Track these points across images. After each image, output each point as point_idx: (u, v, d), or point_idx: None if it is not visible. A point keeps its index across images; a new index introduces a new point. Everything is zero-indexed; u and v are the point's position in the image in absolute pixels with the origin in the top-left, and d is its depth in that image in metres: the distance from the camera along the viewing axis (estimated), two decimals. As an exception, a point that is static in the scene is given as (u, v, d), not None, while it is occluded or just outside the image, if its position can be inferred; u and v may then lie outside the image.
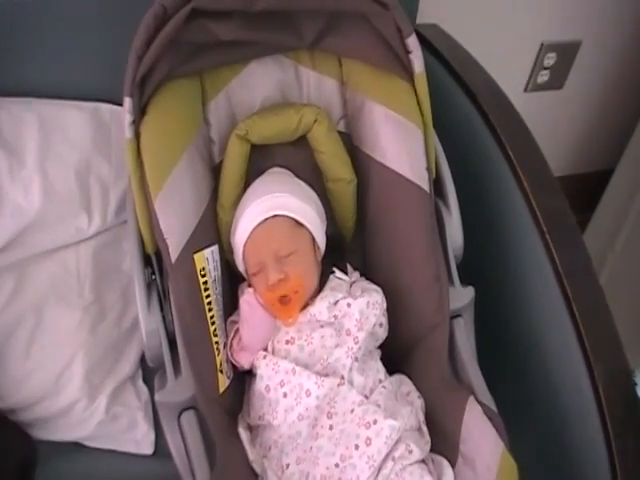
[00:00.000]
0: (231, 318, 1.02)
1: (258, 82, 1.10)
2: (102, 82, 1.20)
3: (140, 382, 1.22)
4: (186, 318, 0.94)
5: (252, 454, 0.97)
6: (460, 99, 1.29)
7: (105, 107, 1.23)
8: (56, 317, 1.14)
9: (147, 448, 1.17)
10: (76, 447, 1.15)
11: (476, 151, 1.24)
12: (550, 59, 1.91)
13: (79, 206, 1.18)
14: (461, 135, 1.26)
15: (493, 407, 0.95)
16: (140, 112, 0.93)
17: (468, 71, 1.33)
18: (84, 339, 1.15)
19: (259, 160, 1.09)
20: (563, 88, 2.01)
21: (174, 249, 0.92)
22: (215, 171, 1.07)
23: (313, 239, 1.02)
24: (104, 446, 1.16)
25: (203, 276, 0.95)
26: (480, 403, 0.93)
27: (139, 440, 1.17)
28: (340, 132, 1.12)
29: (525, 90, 1.98)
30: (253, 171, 1.08)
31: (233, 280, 1.06)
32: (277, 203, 0.99)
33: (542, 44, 1.88)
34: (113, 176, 1.23)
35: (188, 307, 0.94)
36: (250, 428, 1.01)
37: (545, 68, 1.93)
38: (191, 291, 0.93)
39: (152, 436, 1.17)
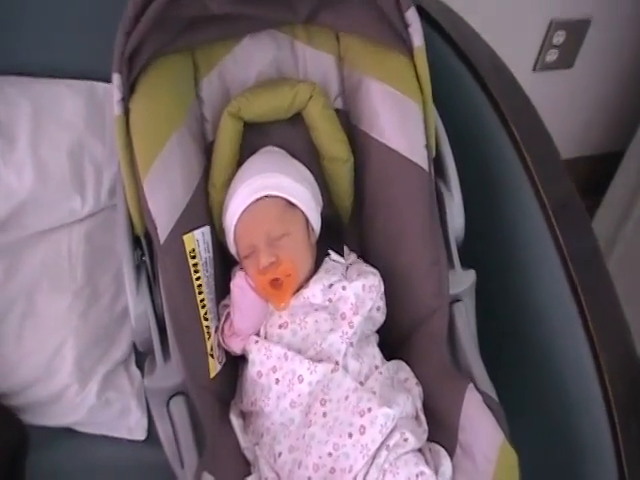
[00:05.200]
0: (223, 302, 1.00)
1: (252, 58, 1.07)
2: (96, 60, 1.13)
3: (133, 367, 1.20)
4: (175, 301, 0.92)
5: (244, 441, 0.94)
6: (463, 76, 1.23)
7: (99, 86, 1.20)
8: (47, 301, 1.13)
9: (140, 434, 1.15)
10: (68, 432, 1.14)
11: (479, 130, 1.19)
12: (559, 37, 1.88)
13: (72, 187, 1.16)
14: (463, 114, 1.20)
15: (494, 396, 0.91)
16: (129, 89, 0.92)
17: (471, 46, 1.27)
18: (75, 323, 1.13)
19: (252, 139, 1.06)
20: (573, 67, 1.98)
21: (163, 230, 0.90)
22: (207, 150, 1.04)
23: (307, 221, 1.00)
24: (96, 432, 1.14)
25: (193, 257, 0.93)
26: (480, 391, 0.90)
27: (132, 426, 1.15)
28: (337, 110, 1.09)
29: (534, 69, 1.95)
30: (246, 150, 1.05)
31: (227, 263, 1.03)
32: (269, 183, 0.97)
33: (551, 21, 1.85)
34: (107, 157, 1.19)
35: (177, 290, 0.92)
36: (243, 415, 0.99)
37: (554, 46, 1.90)
38: (180, 273, 0.91)
39: (145, 422, 1.15)
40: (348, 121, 1.09)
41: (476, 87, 1.21)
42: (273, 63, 1.08)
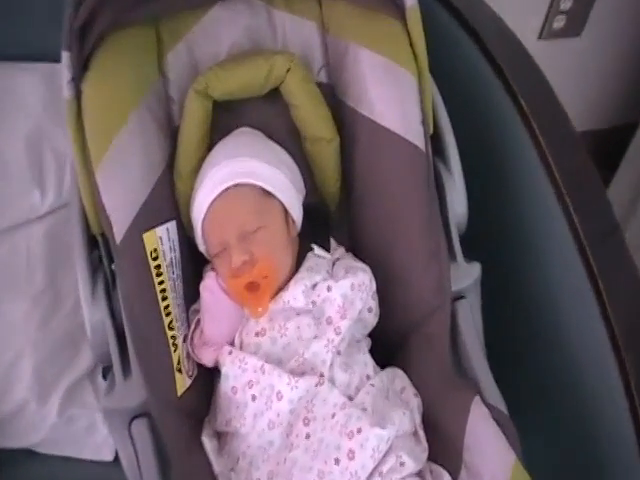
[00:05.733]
0: (193, 307, 0.91)
1: (224, 29, 0.97)
2: (57, 40, 1.06)
3: (100, 379, 1.05)
4: (134, 309, 0.83)
5: (218, 465, 0.84)
6: (462, 42, 1.13)
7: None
8: (1, 307, 1.04)
9: (107, 454, 1.05)
10: (28, 454, 1.04)
11: (482, 104, 1.09)
12: (567, 2, 1.76)
13: (30, 180, 1.09)
14: (464, 85, 1.10)
15: (503, 409, 0.82)
16: (82, 68, 0.84)
17: (471, 8, 1.16)
18: (33, 331, 1.04)
19: (223, 119, 0.96)
20: (581, 35, 1.87)
21: (119, 228, 0.82)
22: (174, 135, 0.95)
23: (285, 211, 0.90)
24: (59, 452, 1.04)
25: (155, 259, 0.84)
26: (487, 404, 0.81)
27: (99, 445, 1.05)
28: (321, 83, 0.99)
29: (539, 37, 1.84)
30: (216, 133, 0.95)
31: (199, 262, 0.94)
32: (241, 169, 0.87)
33: (551, 3, 1.74)
34: (69, 146, 1.08)
35: (137, 296, 0.84)
36: (218, 435, 0.88)
37: (561, 12, 1.79)
38: (140, 277, 0.83)
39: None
40: (333, 96, 0.99)
41: (479, 55, 1.11)
42: (248, 33, 0.98)
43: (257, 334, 0.87)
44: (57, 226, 1.11)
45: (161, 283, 0.84)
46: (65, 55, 0.81)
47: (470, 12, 1.14)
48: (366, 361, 0.88)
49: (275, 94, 0.97)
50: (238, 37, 0.97)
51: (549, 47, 1.86)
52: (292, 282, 0.87)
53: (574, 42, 1.90)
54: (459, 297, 0.92)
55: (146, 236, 0.83)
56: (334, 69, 0.99)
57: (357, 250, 0.98)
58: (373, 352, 0.92)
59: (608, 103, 2.13)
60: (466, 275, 0.93)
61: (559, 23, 1.81)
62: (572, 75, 1.96)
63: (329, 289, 0.87)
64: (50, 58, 1.11)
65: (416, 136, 0.90)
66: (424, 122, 0.90)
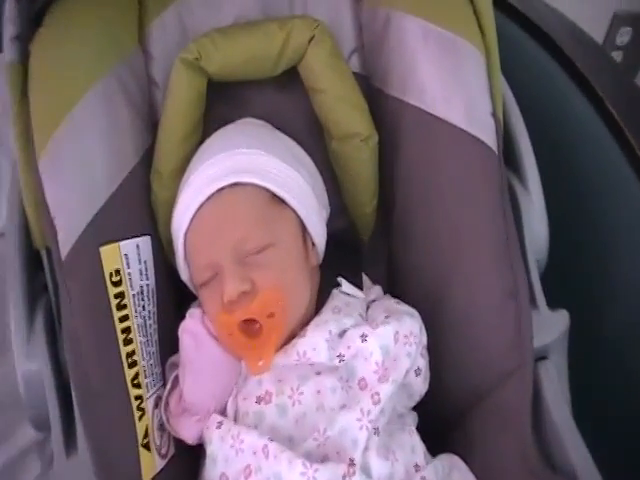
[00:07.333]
0: (172, 359, 0.72)
1: None
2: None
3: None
4: (83, 354, 0.64)
5: None
6: (529, 47, 0.98)
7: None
8: None
9: None
10: None
11: (560, 113, 0.93)
12: (624, 35, 1.63)
13: None
14: (536, 93, 0.92)
15: None
16: (33, 23, 0.70)
17: (538, 12, 1.01)
18: None
19: (220, 108, 0.79)
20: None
21: (66, 236, 0.64)
22: (156, 126, 0.77)
23: (303, 227, 0.71)
24: None
25: (116, 284, 0.65)
26: None
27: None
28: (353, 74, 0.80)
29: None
30: (211, 125, 0.77)
31: (186, 297, 0.76)
32: (242, 163, 0.68)
33: (614, 15, 1.60)
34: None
35: (87, 335, 0.64)
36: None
37: (618, 48, 1.65)
38: (93, 308, 0.64)
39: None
40: (369, 87, 0.80)
41: (550, 60, 0.97)
42: (259, 3, 0.79)
43: (259, 400, 0.66)
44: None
45: (124, 319, 0.64)
46: (10, 4, 0.68)
47: (537, 15, 1.00)
48: (414, 444, 0.67)
49: (291, 76, 0.78)
50: (246, 6, 0.79)
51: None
52: (311, 326, 0.68)
53: (631, 81, 1.76)
54: (541, 357, 0.73)
55: (105, 251, 0.63)
56: (370, 53, 0.81)
57: (398, 292, 0.78)
58: (420, 431, 0.72)
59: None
60: (551, 327, 0.74)
61: (615, 59, 1.68)
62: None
63: (364, 339, 0.66)
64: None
65: (485, 131, 0.71)
66: (494, 114, 0.71)
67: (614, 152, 0.86)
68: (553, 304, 0.77)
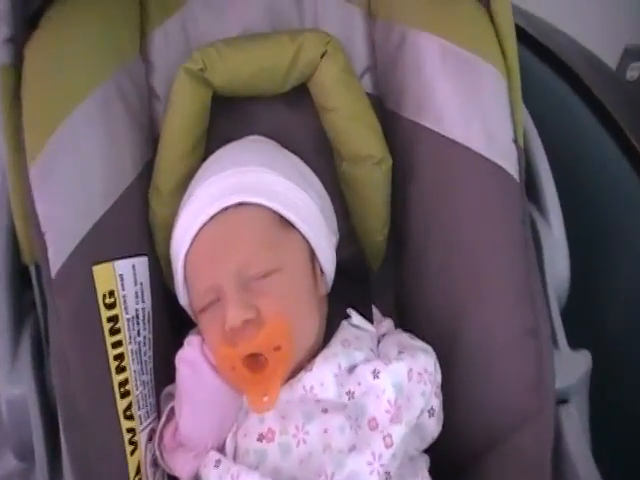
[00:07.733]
0: (167, 389, 0.69)
1: (235, 6, 0.77)
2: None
3: None
4: (71, 381, 0.61)
5: None
6: (546, 77, 0.96)
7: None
8: None
9: None
10: None
11: (579, 146, 0.91)
12: (634, 70, 1.62)
13: None
14: (555, 124, 0.89)
15: None
16: (28, 24, 0.68)
17: (554, 40, 0.99)
18: None
19: (226, 123, 0.76)
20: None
21: (57, 252, 0.61)
22: (156, 140, 0.75)
23: (312, 253, 0.67)
24: None
25: (110, 307, 0.61)
26: None
27: None
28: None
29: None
30: (214, 142, 0.74)
31: (185, 324, 0.71)
32: (247, 182, 0.65)
33: (625, 49, 1.60)
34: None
35: (76, 360, 0.61)
36: None
37: (628, 82, 1.63)
38: (84, 331, 0.61)
39: None
40: (382, 108, 0.77)
41: (568, 90, 0.96)
42: (267, 14, 0.78)
43: (261, 437, 0.62)
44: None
45: (117, 345, 0.61)
46: (3, 5, 0.65)
47: (553, 43, 0.98)
48: (425, 491, 0.62)
49: (300, 93, 0.76)
50: (254, 19, 0.77)
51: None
52: (319, 359, 0.64)
53: None
54: (562, 400, 0.69)
55: (98, 270, 0.60)
56: (383, 72, 0.78)
57: (409, 325, 0.74)
58: (432, 474, 0.68)
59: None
60: (572, 368, 0.70)
61: (624, 95, 1.67)
62: None
63: (376, 375, 0.62)
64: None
65: (507, 158, 0.67)
66: (516, 141, 0.68)
67: (634, 183, 0.83)
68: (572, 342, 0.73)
